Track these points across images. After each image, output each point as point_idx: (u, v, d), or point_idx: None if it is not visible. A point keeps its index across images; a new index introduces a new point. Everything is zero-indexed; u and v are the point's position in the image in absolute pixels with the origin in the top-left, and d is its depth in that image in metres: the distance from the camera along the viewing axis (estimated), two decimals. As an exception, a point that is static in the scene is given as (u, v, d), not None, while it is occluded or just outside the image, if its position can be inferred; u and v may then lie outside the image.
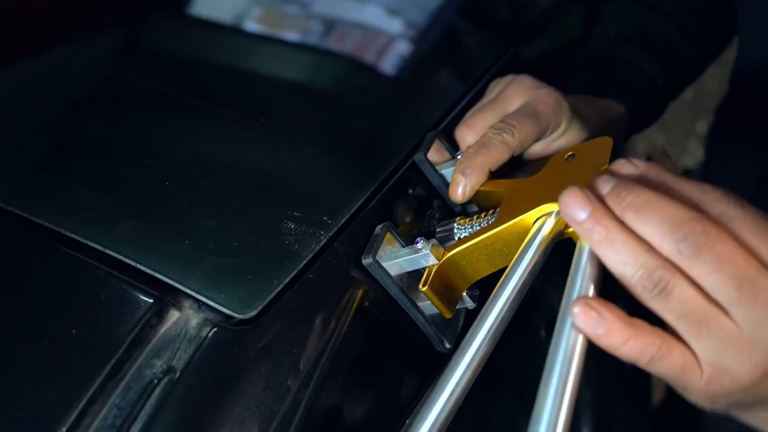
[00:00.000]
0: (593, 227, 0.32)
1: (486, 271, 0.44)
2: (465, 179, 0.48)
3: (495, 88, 0.56)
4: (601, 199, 0.33)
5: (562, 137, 0.53)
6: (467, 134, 0.51)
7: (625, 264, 0.32)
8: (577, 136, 0.53)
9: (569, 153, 0.45)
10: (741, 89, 0.72)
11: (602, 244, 0.32)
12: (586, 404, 0.84)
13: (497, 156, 0.48)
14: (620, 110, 0.62)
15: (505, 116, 0.50)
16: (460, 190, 0.48)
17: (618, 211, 0.33)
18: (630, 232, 0.32)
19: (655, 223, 0.32)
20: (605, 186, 0.34)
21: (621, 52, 0.66)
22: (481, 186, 0.48)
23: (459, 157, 0.50)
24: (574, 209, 0.33)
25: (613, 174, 0.36)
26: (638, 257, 0.32)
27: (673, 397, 1.37)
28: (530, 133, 0.49)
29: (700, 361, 0.32)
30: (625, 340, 0.31)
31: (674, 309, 0.32)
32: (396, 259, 0.43)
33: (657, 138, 1.81)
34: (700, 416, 1.26)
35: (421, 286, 0.42)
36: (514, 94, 0.53)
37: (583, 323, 0.31)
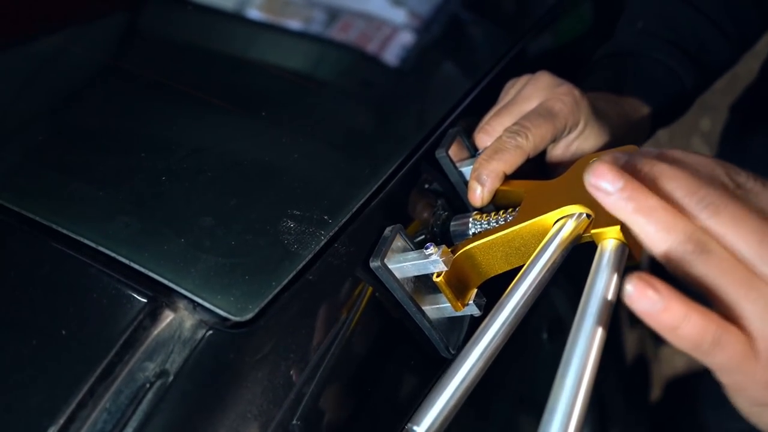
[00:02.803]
0: (630, 196, 0.31)
1: (501, 268, 0.44)
2: (481, 186, 0.48)
3: (512, 89, 0.55)
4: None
5: (581, 136, 0.51)
6: (486, 141, 0.51)
7: (667, 231, 0.31)
8: (596, 135, 0.52)
9: (594, 158, 0.45)
10: None
11: (640, 212, 0.31)
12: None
13: (511, 161, 0.47)
14: (644, 110, 0.60)
15: (520, 118, 0.49)
16: (478, 195, 0.48)
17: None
18: (662, 199, 0.32)
19: (674, 189, 0.32)
20: (619, 160, 0.34)
21: (647, 49, 0.64)
22: (501, 185, 0.48)
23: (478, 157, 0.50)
24: (607, 180, 0.31)
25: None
26: (677, 223, 0.31)
27: (671, 394, 1.38)
28: (546, 135, 0.48)
29: (754, 337, 0.31)
30: (685, 313, 0.29)
31: (718, 266, 0.31)
32: (404, 262, 0.42)
33: (661, 135, 1.80)
34: (698, 413, 1.27)
35: (434, 277, 0.42)
36: (532, 93, 0.51)
37: (639, 300, 0.29)
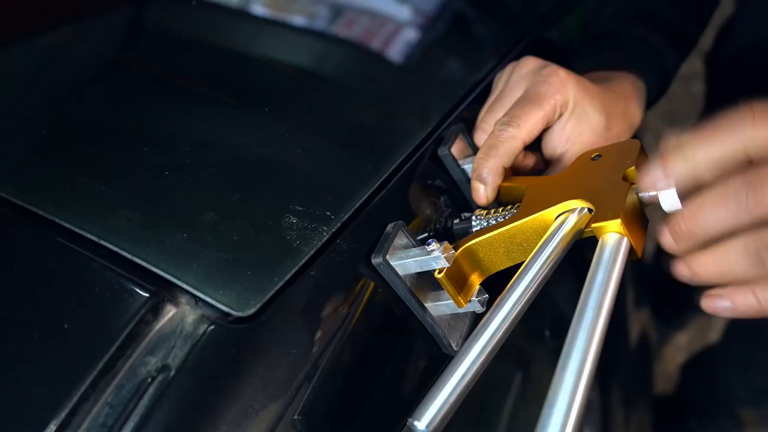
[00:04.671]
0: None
1: (503, 264, 0.44)
2: (484, 185, 0.48)
3: (500, 80, 0.55)
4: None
5: (573, 116, 0.51)
6: (484, 138, 0.51)
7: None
8: (590, 114, 0.51)
9: (596, 153, 0.45)
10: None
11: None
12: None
13: (507, 154, 0.47)
14: (638, 83, 0.59)
15: (509, 108, 0.49)
16: (482, 194, 0.48)
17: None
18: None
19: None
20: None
21: (626, 28, 0.64)
22: (503, 182, 0.48)
23: None
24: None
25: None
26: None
27: (674, 389, 1.38)
28: (537, 120, 0.48)
29: None
30: (751, 292, 0.35)
31: None
32: (406, 259, 0.42)
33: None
34: (702, 409, 1.28)
35: (436, 273, 0.42)
36: (518, 81, 0.52)
37: (714, 307, 0.36)
